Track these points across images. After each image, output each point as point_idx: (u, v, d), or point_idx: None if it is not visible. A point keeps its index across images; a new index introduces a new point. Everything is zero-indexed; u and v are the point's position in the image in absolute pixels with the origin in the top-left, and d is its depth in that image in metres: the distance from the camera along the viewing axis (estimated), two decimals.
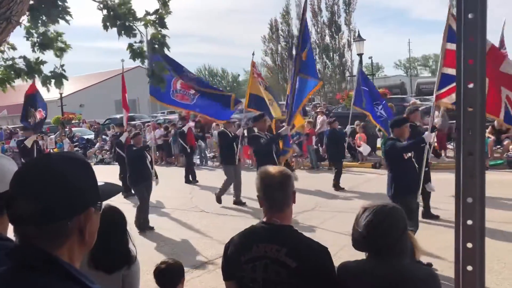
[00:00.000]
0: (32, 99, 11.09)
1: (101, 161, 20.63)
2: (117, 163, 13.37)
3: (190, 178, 13.64)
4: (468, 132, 1.11)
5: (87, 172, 1.17)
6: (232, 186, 10.16)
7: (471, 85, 1.09)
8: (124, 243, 2.93)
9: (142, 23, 5.49)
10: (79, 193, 1.11)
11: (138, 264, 3.02)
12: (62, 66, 5.99)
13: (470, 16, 1.09)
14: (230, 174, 10.10)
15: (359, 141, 14.16)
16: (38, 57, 5.76)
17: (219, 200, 9.90)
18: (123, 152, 11.54)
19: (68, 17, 5.42)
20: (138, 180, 8.56)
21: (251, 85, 10.09)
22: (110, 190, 1.29)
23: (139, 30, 5.53)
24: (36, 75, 5.80)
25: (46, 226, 1.08)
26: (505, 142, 12.75)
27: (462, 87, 1.10)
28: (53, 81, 5.89)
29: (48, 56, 6.07)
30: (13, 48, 5.86)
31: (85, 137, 25.13)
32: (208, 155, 18.23)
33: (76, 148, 22.33)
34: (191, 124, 15.29)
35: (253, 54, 10.58)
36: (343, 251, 6.23)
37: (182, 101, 9.05)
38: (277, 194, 2.10)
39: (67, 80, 6.09)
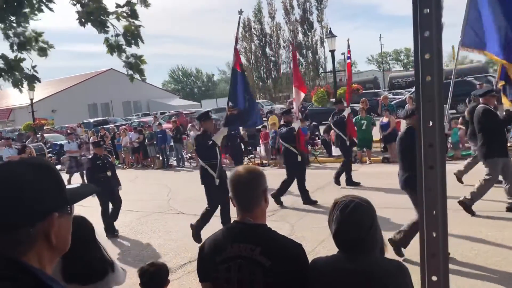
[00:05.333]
0: (234, 81, 7.48)
1: None
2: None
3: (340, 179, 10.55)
4: (428, 124, 1.14)
5: (48, 177, 1.14)
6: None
7: (428, 79, 1.13)
8: (95, 253, 2.86)
9: (114, 16, 5.37)
10: (37, 200, 1.09)
11: (118, 273, 2.97)
12: (34, 67, 5.84)
13: (425, 11, 1.12)
14: (496, 170, 6.95)
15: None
16: (16, 55, 5.61)
17: (470, 210, 7.04)
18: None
19: (51, 5, 5.26)
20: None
21: None
22: (83, 191, 1.27)
23: (111, 24, 5.40)
24: (17, 73, 5.64)
25: (5, 234, 1.06)
26: None
27: (420, 81, 1.13)
28: (25, 82, 5.75)
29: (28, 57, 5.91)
30: None
31: (58, 143, 24.63)
32: (185, 156, 18.10)
33: (50, 155, 21.88)
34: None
35: None
36: (320, 246, 6.31)
37: None
38: (245, 193, 2.10)
39: (39, 81, 5.93)
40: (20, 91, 5.90)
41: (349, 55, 11.63)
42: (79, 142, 17.60)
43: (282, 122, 10.11)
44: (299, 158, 9.23)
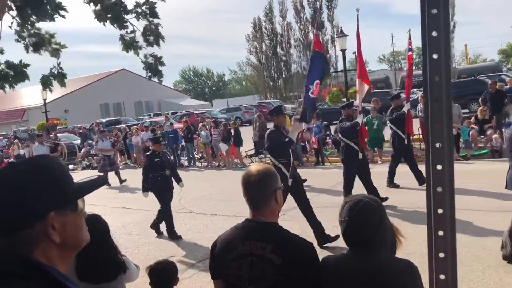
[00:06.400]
0: (315, 64, 6.93)
1: (88, 167, 20.47)
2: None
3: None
4: (435, 123, 1.14)
5: (45, 176, 1.13)
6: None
7: (437, 79, 1.13)
8: (109, 253, 2.85)
9: (134, 15, 5.39)
10: (33, 201, 1.08)
11: (131, 270, 2.98)
12: (58, 64, 5.88)
13: (433, 11, 1.12)
14: None
15: None
16: (21, 60, 5.64)
17: None
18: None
19: (62, 12, 5.35)
20: None
21: None
22: (90, 185, 1.24)
23: (130, 23, 5.42)
24: (27, 79, 5.70)
25: (6, 236, 1.06)
26: (488, 132, 12.95)
27: (428, 81, 1.14)
28: (54, 81, 5.81)
29: (40, 59, 5.98)
30: (1, 52, 5.72)
31: None
32: (196, 156, 18.19)
33: None
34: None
35: None
36: (330, 246, 6.30)
37: None
38: (254, 193, 2.11)
39: (66, 78, 5.96)
40: (50, 90, 5.95)
41: (410, 46, 11.00)
42: (112, 140, 16.51)
43: (343, 116, 8.84)
44: (361, 156, 8.37)
